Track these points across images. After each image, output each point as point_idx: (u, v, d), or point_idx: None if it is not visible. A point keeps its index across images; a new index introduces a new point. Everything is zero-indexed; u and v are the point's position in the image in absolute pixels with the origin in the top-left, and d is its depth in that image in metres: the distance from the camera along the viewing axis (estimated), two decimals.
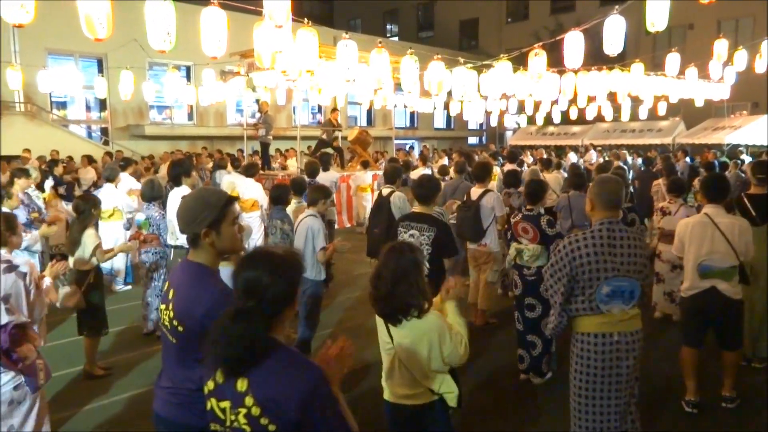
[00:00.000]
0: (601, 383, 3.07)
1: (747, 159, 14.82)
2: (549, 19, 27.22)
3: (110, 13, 5.20)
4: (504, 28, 30.95)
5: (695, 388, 4.26)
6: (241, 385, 1.65)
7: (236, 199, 2.34)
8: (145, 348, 5.69)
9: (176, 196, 5.45)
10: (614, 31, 7.17)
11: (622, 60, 11.61)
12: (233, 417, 1.67)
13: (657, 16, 6.44)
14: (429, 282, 3.68)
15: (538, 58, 8.66)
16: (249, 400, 1.63)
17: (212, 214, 2.11)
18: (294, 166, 14.96)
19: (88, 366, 5.00)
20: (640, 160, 16.32)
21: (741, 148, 17.29)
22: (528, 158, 15.99)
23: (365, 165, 12.45)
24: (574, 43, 7.80)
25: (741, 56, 10.94)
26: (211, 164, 14.09)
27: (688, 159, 15.32)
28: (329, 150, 14.01)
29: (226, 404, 1.69)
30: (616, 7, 7.14)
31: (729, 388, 4.31)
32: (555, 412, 4.18)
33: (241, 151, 15.53)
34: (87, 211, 4.94)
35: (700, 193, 4.47)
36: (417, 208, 4.47)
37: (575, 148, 20.85)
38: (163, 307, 2.19)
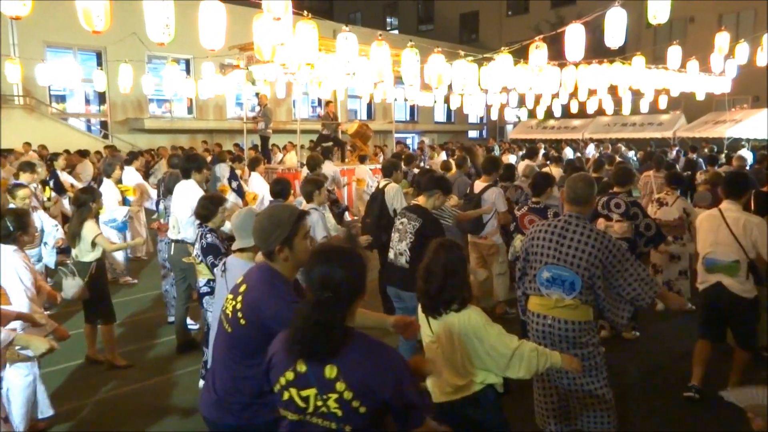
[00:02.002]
0: None
1: (745, 153, 14.82)
2: (549, 13, 27.12)
3: (108, 6, 5.18)
4: (504, 22, 30.85)
5: (700, 375, 4.30)
6: (330, 372, 1.74)
7: (307, 213, 2.48)
8: (148, 341, 5.71)
9: (181, 189, 5.36)
10: (615, 23, 7.12)
11: (623, 53, 11.57)
12: (320, 403, 1.76)
13: (659, 9, 6.40)
14: (409, 271, 3.84)
15: (538, 51, 8.61)
16: (340, 386, 1.73)
17: (285, 232, 2.24)
18: (294, 160, 14.92)
19: (109, 356, 5.02)
20: (631, 153, 16.34)
21: (743, 142, 17.27)
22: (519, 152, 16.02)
23: (363, 159, 12.42)
24: (575, 36, 7.75)
25: (742, 49, 10.89)
26: (209, 158, 14.03)
27: (674, 151, 15.36)
28: (330, 144, 14.00)
29: (310, 392, 1.77)
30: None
31: (733, 385, 4.23)
32: None
33: (237, 145, 15.49)
34: (86, 203, 4.93)
35: (722, 190, 4.50)
36: (419, 199, 4.62)
37: (571, 143, 20.84)
38: (230, 296, 2.31)
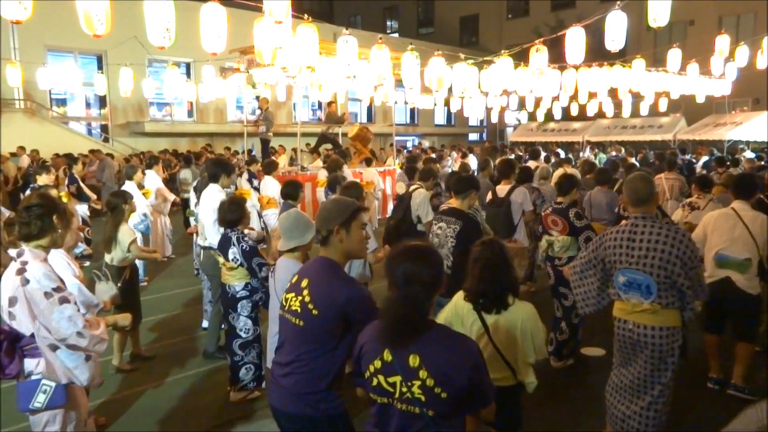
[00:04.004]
0: (620, 361, 3.45)
1: (749, 155, 14.82)
2: (549, 15, 27.19)
3: (109, 10, 5.18)
4: (504, 24, 30.90)
5: (718, 367, 4.49)
6: (413, 360, 1.90)
7: (366, 209, 2.65)
8: (165, 339, 5.75)
9: (207, 194, 5.25)
10: (615, 26, 7.13)
11: (623, 56, 11.58)
12: (405, 389, 1.91)
13: (659, 12, 6.41)
14: (451, 276, 3.78)
15: (539, 54, 8.61)
16: (423, 373, 1.88)
17: (345, 214, 2.43)
18: (284, 162, 14.89)
19: (116, 361, 5.01)
20: (633, 160, 16.33)
21: (742, 146, 17.28)
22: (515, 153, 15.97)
23: (369, 162, 12.41)
24: (575, 38, 7.77)
25: (742, 52, 10.91)
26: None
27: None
28: (328, 145, 14.01)
29: (396, 379, 1.93)
30: (618, 3, 7.10)
31: (738, 377, 4.37)
32: (572, 395, 4.23)
33: (228, 148, 15.43)
34: (119, 206, 4.93)
35: (731, 191, 4.66)
36: (451, 202, 4.62)
37: (562, 145, 21.01)
38: (291, 295, 2.43)
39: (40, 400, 2.61)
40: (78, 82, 13.11)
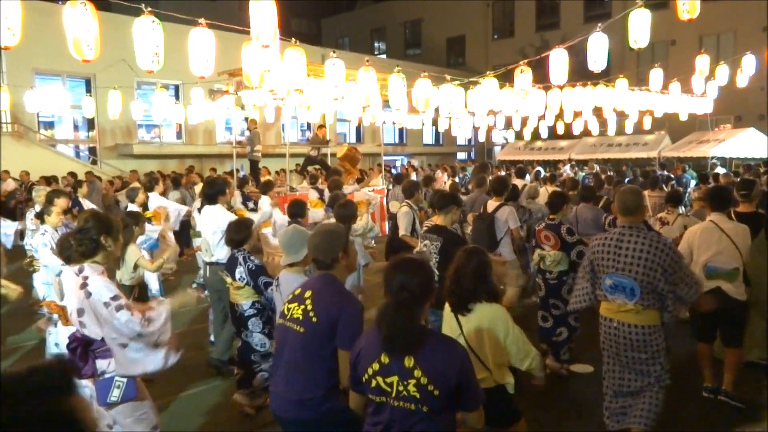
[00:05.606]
0: (607, 357, 3.71)
1: (722, 170, 15.10)
2: (534, 36, 27.60)
3: (98, 36, 5.21)
4: (490, 45, 31.33)
5: (711, 375, 4.61)
6: (408, 361, 2.12)
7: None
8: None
9: (209, 213, 5.41)
10: (598, 47, 7.29)
11: (606, 75, 11.76)
12: (401, 388, 2.12)
13: (639, 34, 6.58)
14: (440, 289, 3.99)
15: (523, 74, 8.76)
16: (417, 372, 2.10)
17: (343, 239, 2.76)
18: None
19: None
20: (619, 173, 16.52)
21: (714, 161, 17.63)
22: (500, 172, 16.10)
23: (360, 182, 12.46)
24: (559, 59, 7.91)
25: (722, 71, 11.15)
26: (200, 183, 14.05)
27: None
28: (316, 166, 14.06)
29: (393, 378, 2.14)
30: (599, 24, 7.26)
31: (729, 384, 4.48)
32: (560, 408, 4.22)
33: (214, 169, 15.41)
34: (129, 226, 4.95)
35: (706, 204, 4.87)
36: (434, 219, 4.90)
37: (551, 164, 21.43)
38: (294, 305, 2.66)
39: (115, 394, 2.98)
40: (66, 104, 13.07)
